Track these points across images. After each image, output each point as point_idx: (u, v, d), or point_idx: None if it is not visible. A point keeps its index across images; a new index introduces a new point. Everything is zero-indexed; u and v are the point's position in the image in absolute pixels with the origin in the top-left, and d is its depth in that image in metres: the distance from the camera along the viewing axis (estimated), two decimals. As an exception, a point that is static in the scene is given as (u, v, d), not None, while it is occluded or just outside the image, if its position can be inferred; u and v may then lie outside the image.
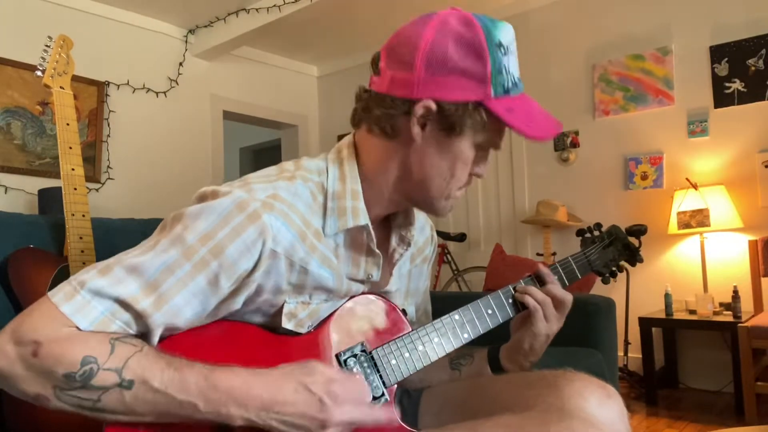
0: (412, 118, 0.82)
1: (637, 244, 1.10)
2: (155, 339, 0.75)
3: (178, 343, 0.77)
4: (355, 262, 0.90)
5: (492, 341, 1.05)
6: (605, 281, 1.08)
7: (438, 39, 0.80)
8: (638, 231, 1.09)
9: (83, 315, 0.70)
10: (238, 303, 0.81)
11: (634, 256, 1.09)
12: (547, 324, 0.96)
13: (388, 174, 0.87)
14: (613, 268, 1.09)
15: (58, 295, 0.70)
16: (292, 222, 0.81)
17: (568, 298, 0.97)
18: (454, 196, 0.89)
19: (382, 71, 0.86)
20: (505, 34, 0.82)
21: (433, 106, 0.80)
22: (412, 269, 1.05)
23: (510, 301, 0.98)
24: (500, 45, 0.81)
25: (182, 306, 0.74)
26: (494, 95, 0.81)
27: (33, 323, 0.69)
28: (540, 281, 0.99)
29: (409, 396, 1.04)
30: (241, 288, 0.79)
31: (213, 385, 0.69)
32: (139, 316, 0.72)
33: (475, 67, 0.80)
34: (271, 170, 0.87)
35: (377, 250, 0.90)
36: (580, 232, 1.11)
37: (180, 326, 0.76)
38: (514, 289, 0.98)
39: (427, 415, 0.99)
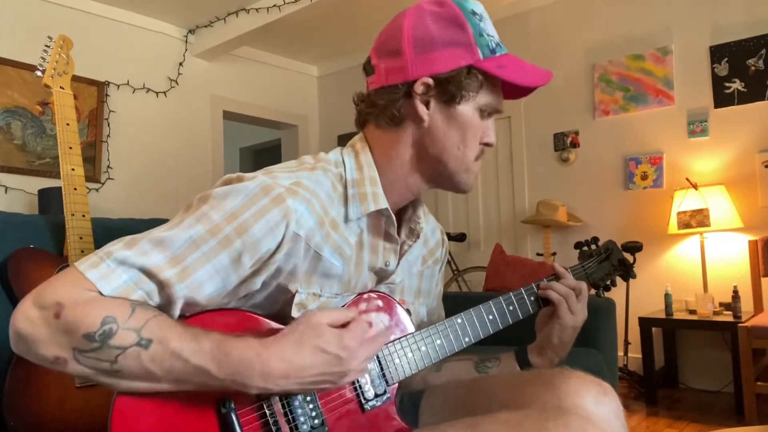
0: (414, 99, 0.87)
1: (631, 260, 1.13)
2: (176, 311, 0.77)
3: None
4: (375, 249, 0.93)
5: (495, 344, 1.07)
6: (598, 295, 1.13)
7: (417, 21, 0.87)
8: (634, 247, 1.15)
9: (107, 281, 0.72)
10: (257, 283, 0.83)
11: (628, 272, 1.13)
12: (573, 315, 1.00)
13: (402, 158, 0.91)
14: (608, 282, 1.13)
15: (84, 264, 0.72)
16: (313, 208, 0.84)
17: (583, 286, 1.02)
18: (473, 169, 0.92)
19: (375, 68, 0.91)
20: (476, 4, 0.90)
21: (431, 81, 0.86)
22: (424, 270, 1.07)
23: (532, 298, 1.02)
24: (474, 13, 0.88)
25: (204, 280, 0.76)
26: (482, 57, 0.87)
27: (56, 288, 0.71)
28: (557, 278, 1.04)
29: (409, 395, 1.04)
30: (261, 269, 0.81)
31: (226, 351, 0.71)
32: (162, 286, 0.74)
33: (458, 35, 0.86)
34: (291, 163, 0.91)
35: (396, 235, 0.93)
36: (578, 245, 1.15)
37: (200, 302, 0.78)
38: (537, 286, 1.03)
39: (427, 414, 1.00)
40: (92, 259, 0.73)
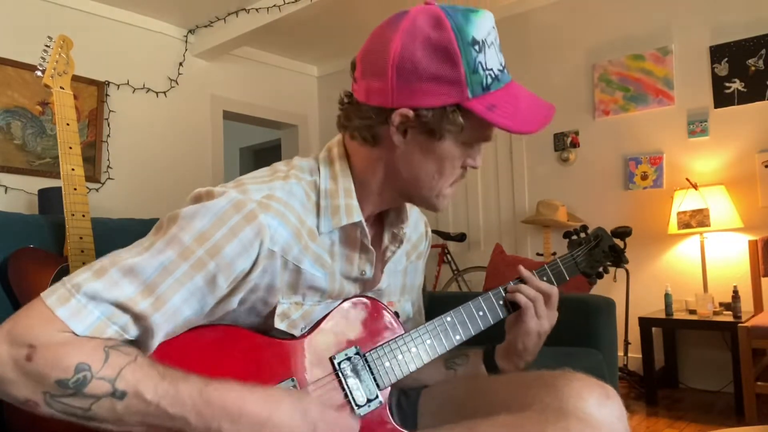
0: (391, 126, 0.81)
1: (622, 246, 1.12)
2: (155, 342, 0.74)
3: (171, 349, 0.77)
4: (349, 259, 0.90)
5: (486, 341, 1.06)
6: (592, 282, 1.10)
7: (406, 45, 0.78)
8: (623, 233, 1.12)
9: (79, 319, 0.68)
10: (234, 303, 0.80)
11: (619, 258, 1.11)
12: (539, 321, 0.96)
13: (376, 175, 0.88)
14: (600, 270, 1.11)
15: (52, 298, 0.69)
16: (288, 221, 0.81)
17: (554, 291, 0.98)
18: (447, 193, 0.89)
19: (357, 80, 0.85)
20: (480, 27, 0.79)
21: (410, 114, 0.79)
22: (408, 266, 1.05)
23: (500, 302, 0.99)
24: (474, 42, 0.78)
25: (180, 306, 0.74)
26: (471, 95, 0.79)
27: (28, 326, 0.67)
28: (524, 282, 1.00)
29: (407, 397, 1.04)
30: (237, 288, 0.79)
31: (207, 400, 0.68)
32: (137, 318, 0.71)
33: (448, 72, 0.78)
34: (263, 171, 0.88)
35: (371, 247, 0.90)
36: (567, 234, 1.14)
37: (178, 327, 0.76)
38: (505, 290, 0.99)
39: (426, 416, 0.99)
40: (60, 291, 0.69)
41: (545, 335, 0.98)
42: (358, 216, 0.87)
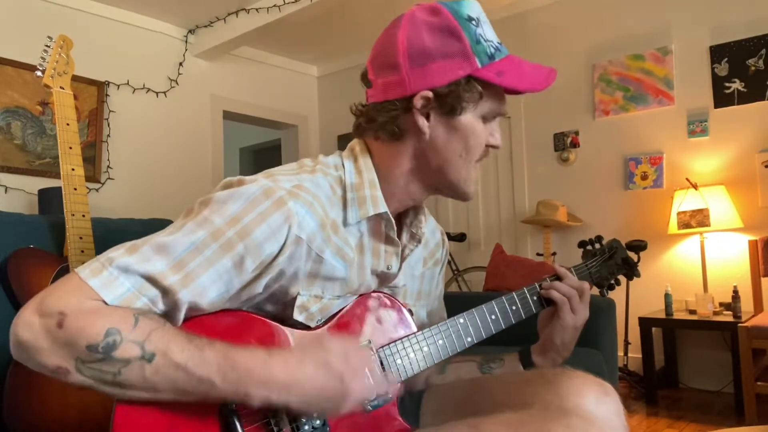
0: (414, 113, 0.86)
1: (636, 259, 1.12)
2: (181, 315, 0.76)
3: (190, 330, 0.78)
4: (376, 252, 0.93)
5: (497, 344, 1.07)
6: (603, 294, 1.12)
7: (412, 34, 0.85)
8: (638, 246, 1.12)
9: (110, 290, 0.71)
10: (259, 287, 0.82)
11: (632, 271, 1.12)
12: (575, 316, 0.99)
13: (402, 168, 0.90)
14: (612, 282, 1.12)
15: (86, 271, 0.72)
16: (315, 211, 0.83)
17: (586, 286, 1.02)
18: (473, 176, 0.92)
19: (373, 82, 0.90)
20: (472, 7, 0.87)
21: (430, 95, 0.85)
22: (425, 272, 1.07)
23: (535, 298, 1.01)
24: (470, 18, 0.86)
25: (208, 285, 0.76)
26: (480, 65, 0.85)
27: (59, 296, 0.70)
28: (559, 279, 1.03)
29: (410, 396, 1.04)
30: (264, 272, 0.81)
31: (232, 362, 0.70)
32: (165, 292, 0.73)
33: (454, 46, 0.84)
34: (291, 165, 0.90)
35: (396, 238, 0.93)
36: (581, 244, 1.14)
37: (203, 307, 0.77)
38: (540, 286, 1.02)
39: (428, 414, 1.00)
40: (94, 265, 0.73)
41: (581, 329, 1.02)
42: (383, 207, 0.89)
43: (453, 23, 0.84)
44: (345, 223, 0.88)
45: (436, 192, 0.95)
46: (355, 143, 0.94)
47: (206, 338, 0.72)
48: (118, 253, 0.74)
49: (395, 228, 0.92)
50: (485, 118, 0.89)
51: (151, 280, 0.73)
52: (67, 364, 0.68)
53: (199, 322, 0.79)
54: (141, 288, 0.73)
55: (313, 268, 0.86)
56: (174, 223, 0.79)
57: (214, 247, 0.76)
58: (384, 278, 0.96)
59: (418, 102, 0.85)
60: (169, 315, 0.75)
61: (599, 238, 1.14)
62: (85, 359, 0.68)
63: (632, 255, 1.13)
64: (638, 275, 1.12)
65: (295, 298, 0.86)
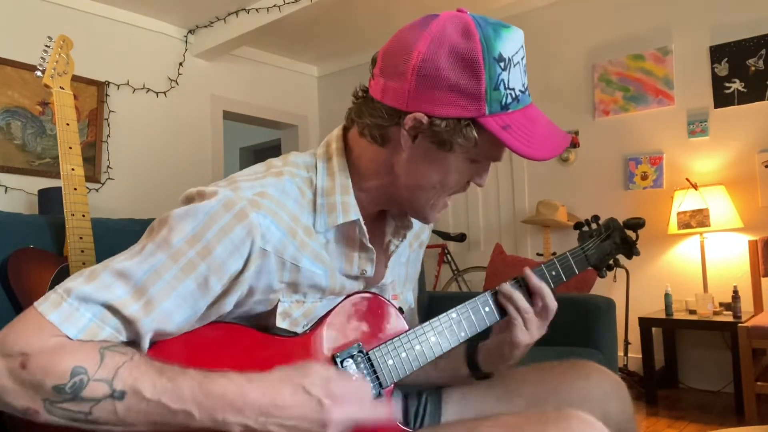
0: (402, 129, 0.80)
1: (634, 238, 1.08)
2: (145, 345, 0.73)
3: (171, 348, 0.76)
4: (348, 258, 0.89)
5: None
6: (602, 275, 1.07)
7: (431, 51, 0.76)
8: (636, 224, 1.07)
9: (71, 323, 0.68)
10: (228, 305, 0.79)
11: (631, 250, 1.07)
12: (528, 333, 0.92)
13: (378, 176, 0.86)
14: (610, 262, 1.07)
15: (45, 304, 0.69)
16: (280, 219, 0.80)
17: (553, 306, 0.93)
18: (443, 203, 0.87)
19: (375, 77, 0.84)
20: (510, 44, 0.77)
21: (424, 120, 0.78)
22: (411, 255, 1.04)
23: (487, 309, 0.94)
24: (500, 59, 0.76)
25: (172, 311, 0.73)
26: (489, 112, 0.77)
27: (20, 334, 0.67)
28: (527, 286, 0.95)
29: (429, 394, 1.04)
30: (231, 289, 0.78)
31: (207, 391, 0.67)
32: (127, 322, 0.70)
33: (469, 84, 0.76)
34: (258, 167, 0.86)
35: (370, 245, 0.89)
36: (577, 226, 1.09)
37: (170, 331, 0.75)
38: (496, 293, 0.95)
39: (450, 404, 1.00)
40: (52, 297, 0.69)
41: (533, 343, 0.94)
42: (355, 214, 0.85)
43: (478, 58, 0.75)
44: (315, 229, 0.84)
45: (399, 208, 0.90)
46: (333, 139, 0.89)
47: (179, 367, 0.69)
48: (76, 282, 0.70)
49: (368, 236, 0.88)
50: (475, 161, 0.83)
51: (112, 309, 0.69)
52: (36, 405, 0.65)
53: (182, 338, 0.76)
54: (103, 317, 0.69)
55: (291, 277, 0.82)
56: (135, 245, 0.76)
57: (175, 270, 0.72)
58: (366, 280, 0.93)
59: (408, 122, 0.78)
60: (135, 343, 0.72)
61: (596, 218, 1.09)
62: (54, 400, 0.65)
63: (630, 233, 1.08)
64: (637, 253, 1.07)
65: (275, 307, 0.83)
